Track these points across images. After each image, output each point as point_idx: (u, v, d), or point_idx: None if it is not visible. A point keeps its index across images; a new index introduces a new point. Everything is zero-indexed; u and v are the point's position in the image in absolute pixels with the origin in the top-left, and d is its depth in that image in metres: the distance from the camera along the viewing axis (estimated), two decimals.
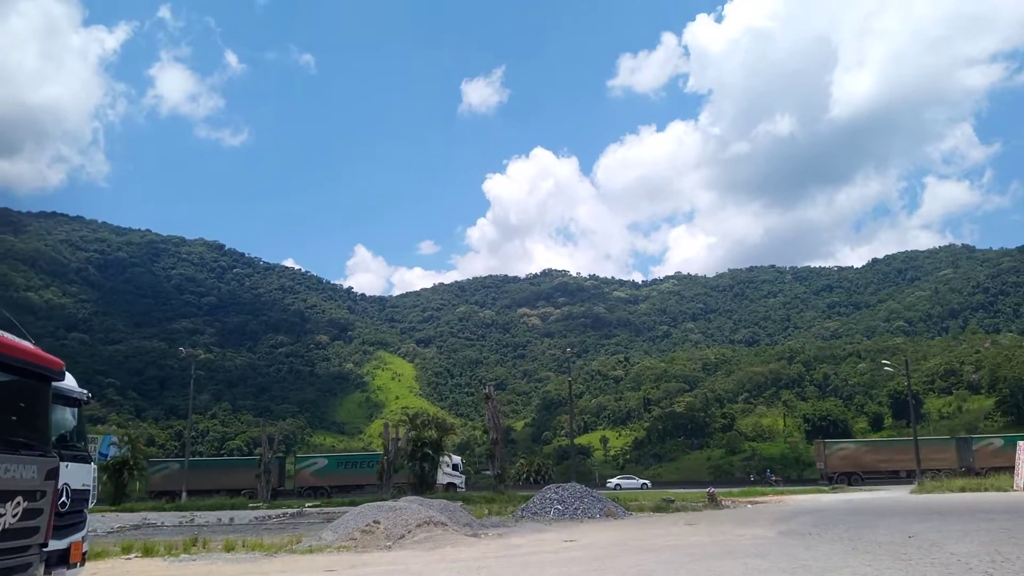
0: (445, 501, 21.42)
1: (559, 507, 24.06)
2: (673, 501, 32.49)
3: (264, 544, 16.27)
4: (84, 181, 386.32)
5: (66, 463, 8.66)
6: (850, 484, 51.92)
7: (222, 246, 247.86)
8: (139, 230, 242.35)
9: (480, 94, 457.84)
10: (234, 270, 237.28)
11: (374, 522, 15.92)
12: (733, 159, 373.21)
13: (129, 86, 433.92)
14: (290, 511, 34.54)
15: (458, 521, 18.59)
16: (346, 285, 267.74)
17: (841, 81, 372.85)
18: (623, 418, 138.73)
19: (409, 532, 15.43)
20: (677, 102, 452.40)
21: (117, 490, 47.05)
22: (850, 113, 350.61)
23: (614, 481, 66.87)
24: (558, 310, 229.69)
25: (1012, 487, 35.16)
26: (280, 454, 62.76)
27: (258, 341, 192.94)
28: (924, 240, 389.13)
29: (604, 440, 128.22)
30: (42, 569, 6.03)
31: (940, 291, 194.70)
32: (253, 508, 40.55)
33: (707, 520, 22.16)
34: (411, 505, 17.97)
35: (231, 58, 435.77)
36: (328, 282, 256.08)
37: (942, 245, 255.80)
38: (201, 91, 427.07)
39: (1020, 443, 39.04)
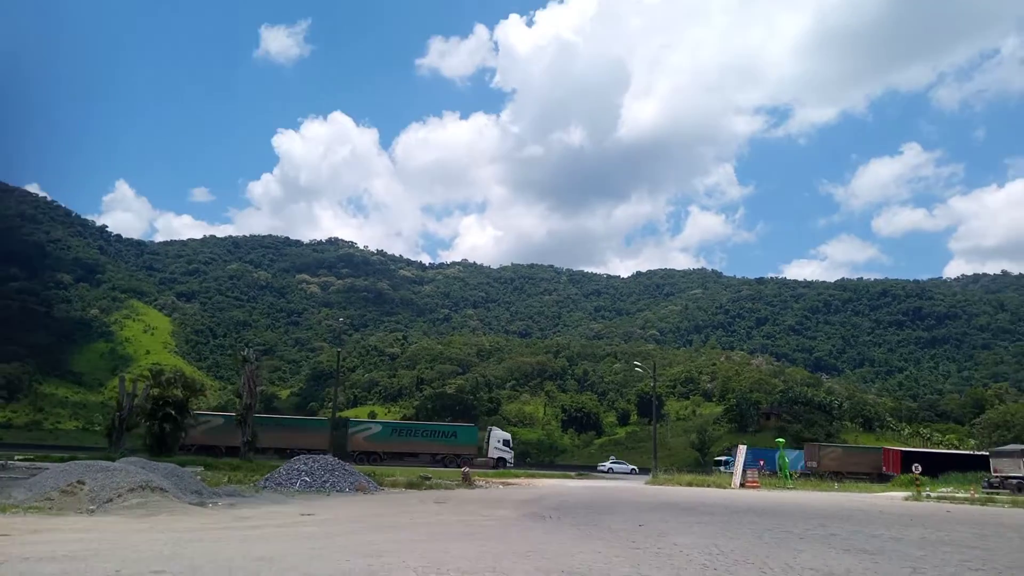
0: (173, 465, 19.24)
1: (307, 479, 22.77)
2: (429, 478, 32.35)
3: None
4: None
5: None
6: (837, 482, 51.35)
7: None
8: None
9: (280, 43, 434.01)
10: None
11: (77, 482, 13.68)
12: (527, 159, 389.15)
13: None
14: None
15: (186, 488, 16.68)
16: (100, 222, 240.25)
17: (630, 105, 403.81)
18: (394, 395, 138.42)
19: (119, 496, 13.41)
20: (482, 94, 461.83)
21: None
22: (634, 136, 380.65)
23: (607, 464, 68.61)
24: (340, 280, 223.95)
25: (730, 485, 39.39)
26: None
27: None
28: (682, 261, 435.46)
29: (372, 415, 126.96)
30: None
31: (690, 308, 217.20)
32: None
33: (457, 499, 22.09)
34: (128, 467, 15.77)
35: None
36: (78, 216, 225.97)
37: (696, 267, 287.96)
38: None
39: (740, 447, 43.92)
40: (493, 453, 58.07)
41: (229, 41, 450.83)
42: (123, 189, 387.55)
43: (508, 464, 58.27)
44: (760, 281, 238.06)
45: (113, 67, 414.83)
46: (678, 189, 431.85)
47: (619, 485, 39.87)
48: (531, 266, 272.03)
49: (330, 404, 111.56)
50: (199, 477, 22.85)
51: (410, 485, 28.03)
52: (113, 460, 18.71)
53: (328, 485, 22.80)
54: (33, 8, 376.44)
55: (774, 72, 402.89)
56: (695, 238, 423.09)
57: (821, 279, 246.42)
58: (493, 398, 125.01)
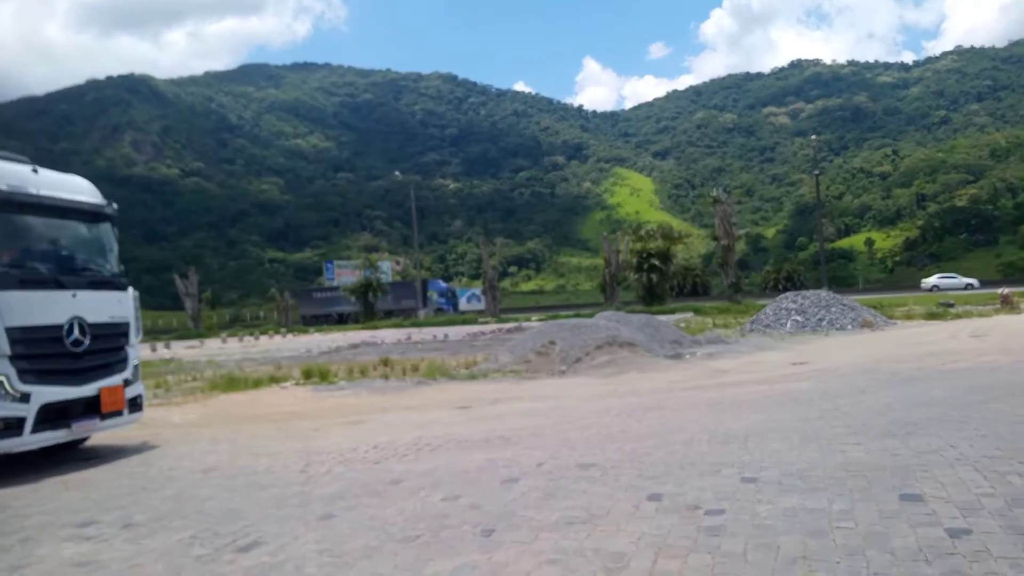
0: (648, 316, 18.37)
1: (797, 318, 19.98)
2: (952, 305, 26.57)
3: (438, 367, 14.64)
4: (326, 29, 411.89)
5: (72, 292, 6.79)
6: None
7: (455, 77, 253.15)
8: (380, 70, 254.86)
9: None
10: (469, 100, 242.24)
11: (549, 343, 13.46)
12: None
13: None
14: (506, 326, 33.96)
15: (662, 339, 15.55)
16: (576, 103, 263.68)
17: None
18: (891, 218, 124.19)
19: (587, 355, 12.75)
20: None
21: (366, 309, 50.49)
22: None
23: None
24: (811, 105, 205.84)
25: None
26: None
27: (500, 167, 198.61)
28: None
29: (869, 243, 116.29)
30: None
31: None
32: (482, 323, 41.11)
33: (1002, 330, 16.82)
34: (599, 322, 15.20)
35: None
36: (559, 102, 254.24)
37: None
38: None
39: None
40: None
41: None
42: (591, 66, 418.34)
43: None
44: None
45: None
46: None
47: None
48: None
49: (817, 237, 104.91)
50: (682, 325, 22.00)
51: (930, 316, 23.05)
52: (591, 316, 18.70)
53: (824, 323, 19.70)
54: None
55: None
56: None
57: None
58: (1020, 204, 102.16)
